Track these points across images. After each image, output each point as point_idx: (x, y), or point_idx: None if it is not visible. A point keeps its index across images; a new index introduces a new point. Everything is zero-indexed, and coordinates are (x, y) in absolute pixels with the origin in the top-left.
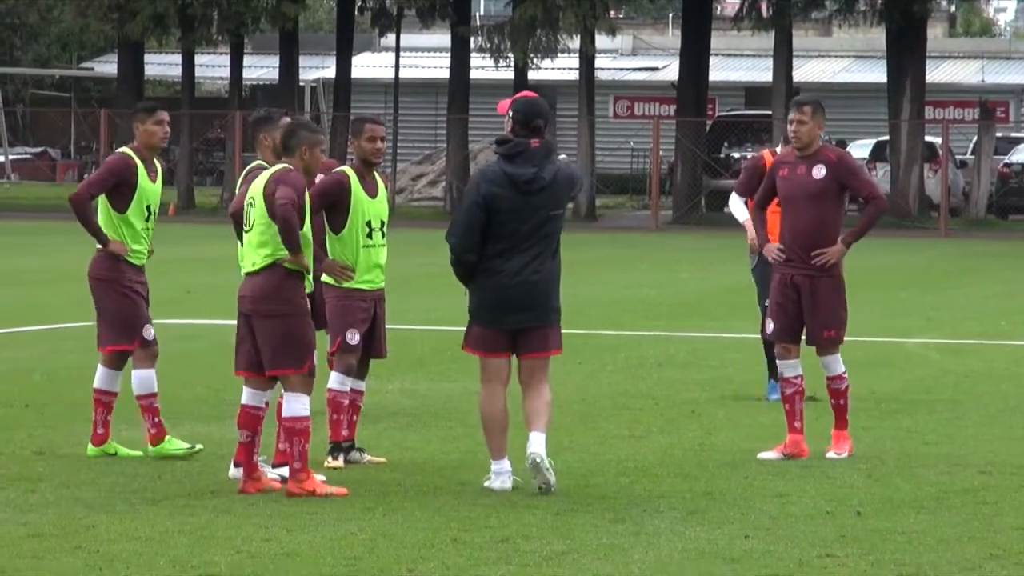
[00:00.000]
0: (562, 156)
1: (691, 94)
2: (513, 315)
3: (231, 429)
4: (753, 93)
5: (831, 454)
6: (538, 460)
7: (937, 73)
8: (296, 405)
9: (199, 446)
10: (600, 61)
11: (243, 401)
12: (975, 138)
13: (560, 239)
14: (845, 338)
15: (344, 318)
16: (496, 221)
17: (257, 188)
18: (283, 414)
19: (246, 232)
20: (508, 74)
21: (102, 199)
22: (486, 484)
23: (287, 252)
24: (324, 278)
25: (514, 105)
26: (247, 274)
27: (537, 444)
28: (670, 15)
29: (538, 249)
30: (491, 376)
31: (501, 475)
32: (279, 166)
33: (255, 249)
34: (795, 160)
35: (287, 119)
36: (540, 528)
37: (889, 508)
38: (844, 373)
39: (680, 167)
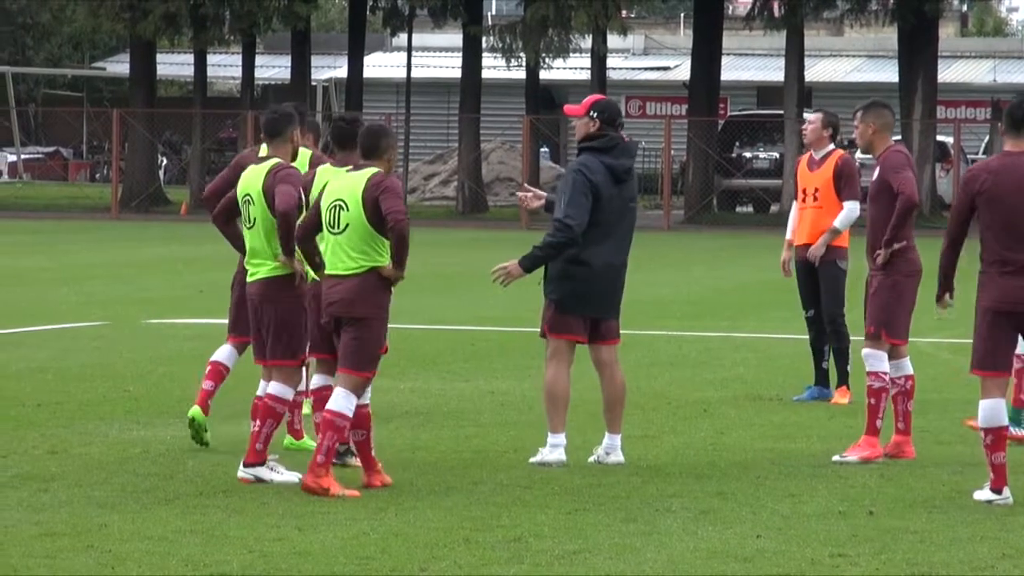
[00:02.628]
0: None
1: (703, 94)
2: (601, 304)
3: (244, 428)
4: (765, 93)
5: (835, 457)
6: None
7: (949, 73)
8: (345, 403)
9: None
10: (612, 61)
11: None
12: (987, 138)
13: None
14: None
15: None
16: (597, 211)
17: (350, 191)
18: (329, 406)
19: (334, 234)
20: (520, 74)
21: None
22: (536, 459)
23: (388, 261)
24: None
25: (596, 106)
26: (336, 276)
27: (618, 454)
28: (682, 15)
29: (625, 241)
30: (564, 357)
31: (558, 448)
32: (372, 169)
33: (348, 253)
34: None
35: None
36: (552, 527)
37: (901, 507)
38: (882, 372)
39: (692, 167)
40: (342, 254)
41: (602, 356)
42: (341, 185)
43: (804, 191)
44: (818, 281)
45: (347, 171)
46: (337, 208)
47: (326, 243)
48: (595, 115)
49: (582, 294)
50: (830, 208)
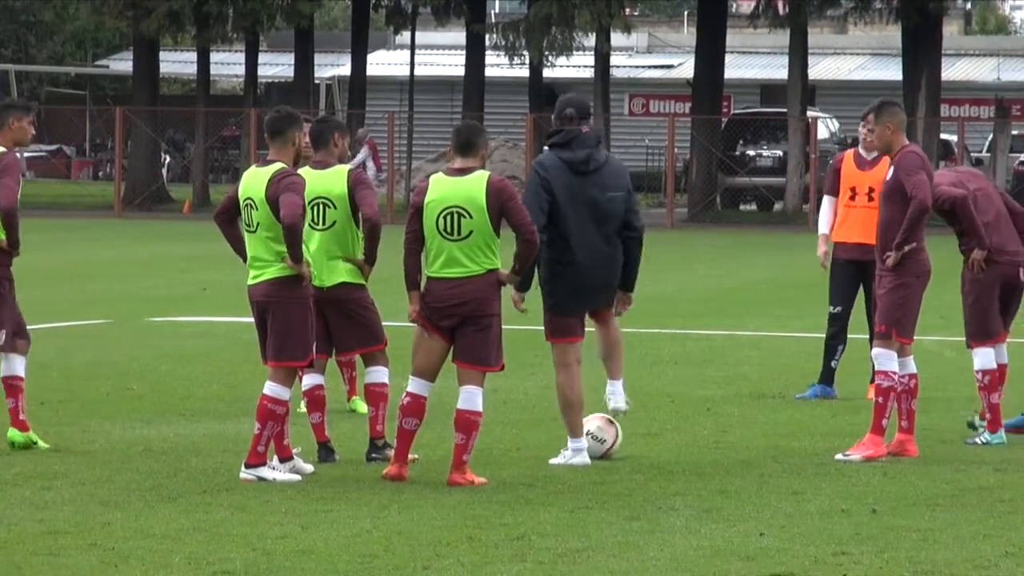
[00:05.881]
0: None
1: (706, 92)
2: (591, 301)
3: (248, 426)
4: (768, 91)
5: (838, 455)
6: (621, 413)
7: (953, 71)
8: (478, 399)
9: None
10: (615, 59)
11: (413, 390)
12: (991, 136)
13: (622, 223)
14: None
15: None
16: (557, 206)
17: (470, 198)
18: (463, 406)
19: (452, 240)
20: (523, 72)
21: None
22: (558, 460)
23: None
24: (354, 278)
25: (555, 106)
26: (453, 279)
27: (618, 399)
28: (685, 12)
29: (602, 233)
30: (570, 360)
31: (580, 452)
32: (484, 173)
33: (471, 257)
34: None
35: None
36: (555, 526)
37: (904, 506)
38: (891, 371)
39: (695, 165)
40: (463, 258)
41: (597, 319)
42: (456, 192)
43: (854, 189)
44: (859, 281)
45: (456, 177)
46: (457, 215)
47: (436, 248)
48: (553, 115)
49: (575, 293)
50: None
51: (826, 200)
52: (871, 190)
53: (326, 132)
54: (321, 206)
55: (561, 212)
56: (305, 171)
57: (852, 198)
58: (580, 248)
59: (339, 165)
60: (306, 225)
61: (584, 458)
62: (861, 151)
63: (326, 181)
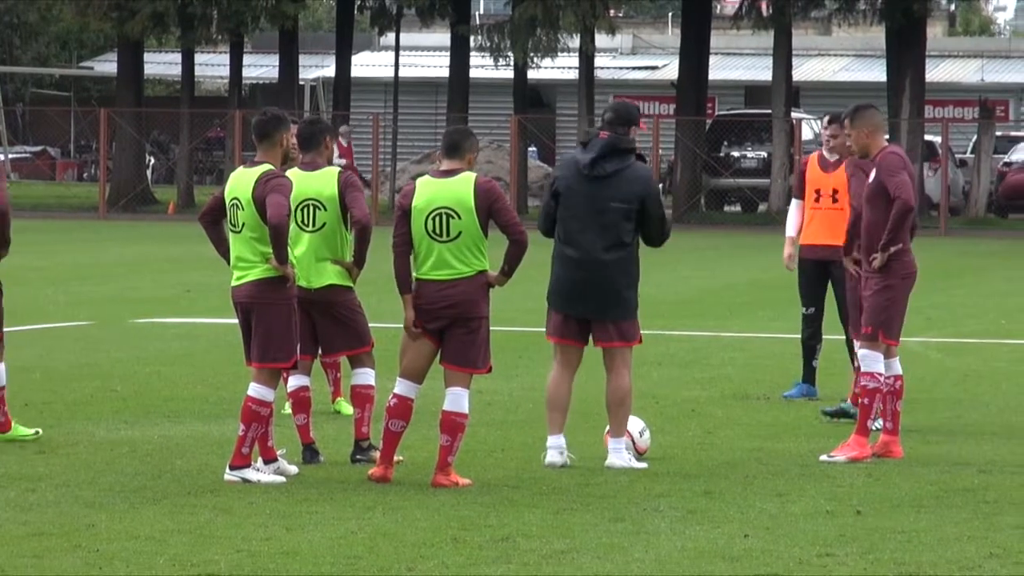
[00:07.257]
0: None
1: (691, 93)
2: (576, 303)
3: (232, 428)
4: (753, 92)
5: (823, 457)
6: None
7: (937, 72)
8: (464, 401)
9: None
10: (600, 60)
11: (399, 392)
12: (975, 137)
13: (630, 234)
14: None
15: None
16: (561, 204)
17: (458, 199)
18: (449, 407)
19: (441, 242)
20: (508, 73)
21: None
22: (545, 461)
23: (487, 264)
24: (342, 280)
25: None
26: (442, 281)
27: (616, 457)
28: (670, 14)
29: (602, 240)
30: (561, 360)
31: (551, 449)
32: (471, 175)
33: (459, 258)
34: (867, 164)
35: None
36: (540, 527)
37: (889, 507)
38: (877, 373)
39: (680, 166)
40: (452, 260)
41: (604, 360)
42: (444, 193)
43: (818, 192)
44: (825, 281)
45: (442, 179)
46: (445, 217)
47: (424, 250)
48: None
49: (566, 289)
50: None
51: (794, 203)
52: (835, 192)
53: (317, 134)
54: (311, 207)
55: (564, 207)
56: (294, 172)
57: (817, 200)
58: (575, 244)
59: (328, 167)
60: (294, 226)
61: (553, 456)
62: (825, 153)
63: (316, 183)
